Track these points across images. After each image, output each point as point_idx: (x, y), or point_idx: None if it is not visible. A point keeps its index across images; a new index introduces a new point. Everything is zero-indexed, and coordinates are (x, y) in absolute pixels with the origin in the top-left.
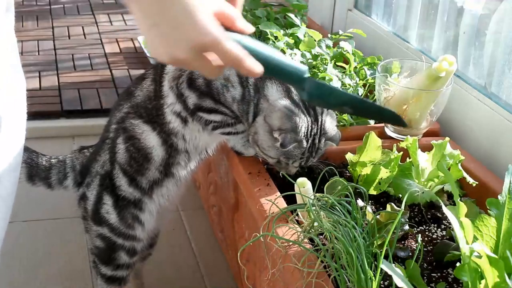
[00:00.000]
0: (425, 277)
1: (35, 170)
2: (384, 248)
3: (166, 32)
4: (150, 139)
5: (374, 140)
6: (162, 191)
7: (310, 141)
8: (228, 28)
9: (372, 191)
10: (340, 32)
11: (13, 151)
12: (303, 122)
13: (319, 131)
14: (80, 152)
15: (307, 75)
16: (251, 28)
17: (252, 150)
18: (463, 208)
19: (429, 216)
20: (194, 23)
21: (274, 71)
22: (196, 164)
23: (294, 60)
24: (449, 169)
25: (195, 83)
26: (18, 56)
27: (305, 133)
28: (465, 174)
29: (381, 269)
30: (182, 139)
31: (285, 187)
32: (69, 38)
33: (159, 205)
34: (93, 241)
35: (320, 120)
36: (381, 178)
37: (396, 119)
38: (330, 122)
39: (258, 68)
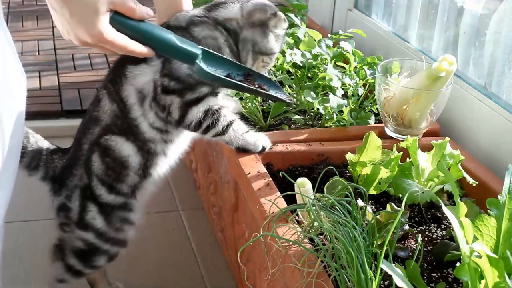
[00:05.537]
0: (425, 277)
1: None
2: (384, 248)
3: (68, 22)
4: (125, 148)
5: (374, 140)
6: (143, 192)
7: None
8: (129, 17)
9: (372, 191)
10: (340, 32)
11: (14, 143)
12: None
13: None
14: (52, 154)
15: (199, 59)
16: (150, 13)
17: (256, 140)
18: (463, 208)
19: (429, 216)
20: (85, 23)
21: (169, 53)
22: (174, 161)
23: (188, 44)
24: (449, 169)
25: (168, 87)
26: (15, 53)
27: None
28: (465, 174)
29: (381, 269)
30: (161, 143)
31: (285, 187)
32: None
33: (143, 203)
34: (73, 241)
35: None
36: (381, 178)
37: (278, 99)
38: None
39: (147, 51)
